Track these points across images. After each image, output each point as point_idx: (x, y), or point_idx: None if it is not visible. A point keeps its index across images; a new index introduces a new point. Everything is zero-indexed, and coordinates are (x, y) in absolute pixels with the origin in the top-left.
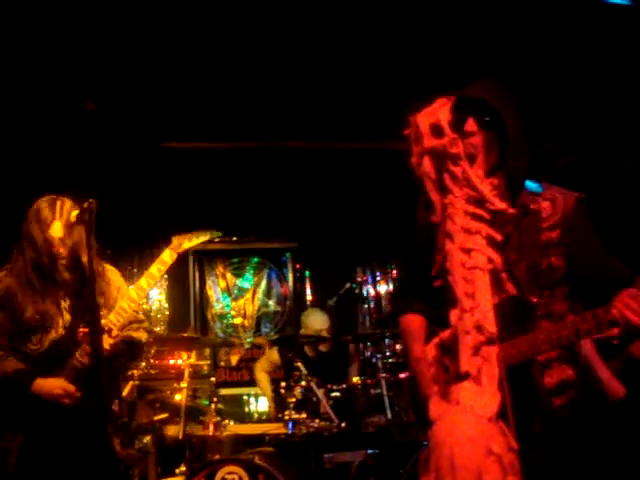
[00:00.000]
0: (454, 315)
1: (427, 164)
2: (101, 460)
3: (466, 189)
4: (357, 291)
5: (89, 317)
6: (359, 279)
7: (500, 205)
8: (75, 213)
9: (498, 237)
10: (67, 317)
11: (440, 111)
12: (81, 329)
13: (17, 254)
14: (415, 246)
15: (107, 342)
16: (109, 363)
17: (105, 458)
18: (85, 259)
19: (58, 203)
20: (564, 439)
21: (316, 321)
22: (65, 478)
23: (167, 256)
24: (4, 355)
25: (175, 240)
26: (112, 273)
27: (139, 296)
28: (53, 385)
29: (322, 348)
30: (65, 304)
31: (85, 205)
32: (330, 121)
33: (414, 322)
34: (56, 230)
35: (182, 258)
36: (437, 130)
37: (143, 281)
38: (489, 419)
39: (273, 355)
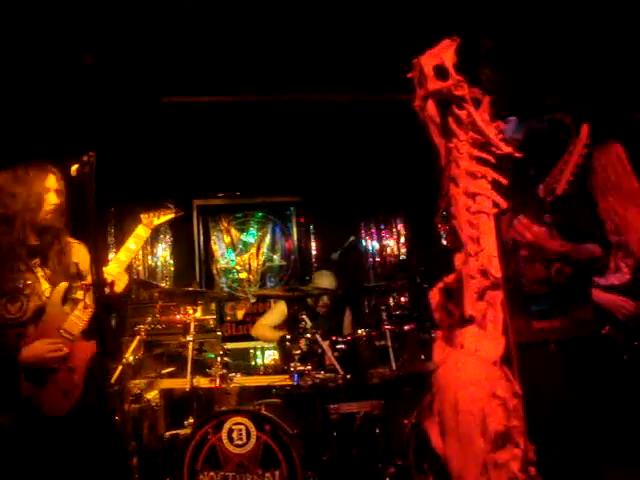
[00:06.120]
0: (459, 259)
1: (431, 107)
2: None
3: (471, 133)
4: (362, 244)
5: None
6: (363, 232)
7: (506, 149)
8: (75, 167)
9: (503, 181)
10: (45, 285)
11: (445, 53)
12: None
13: None
14: None
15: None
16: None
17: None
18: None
19: (21, 172)
20: None
21: (324, 282)
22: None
23: (142, 231)
24: None
25: (144, 218)
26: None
27: (118, 271)
28: (40, 348)
29: (320, 309)
30: (42, 272)
31: (85, 158)
32: (333, 73)
33: None
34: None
35: (186, 214)
36: (441, 72)
37: (121, 254)
38: (493, 363)
39: (282, 307)
